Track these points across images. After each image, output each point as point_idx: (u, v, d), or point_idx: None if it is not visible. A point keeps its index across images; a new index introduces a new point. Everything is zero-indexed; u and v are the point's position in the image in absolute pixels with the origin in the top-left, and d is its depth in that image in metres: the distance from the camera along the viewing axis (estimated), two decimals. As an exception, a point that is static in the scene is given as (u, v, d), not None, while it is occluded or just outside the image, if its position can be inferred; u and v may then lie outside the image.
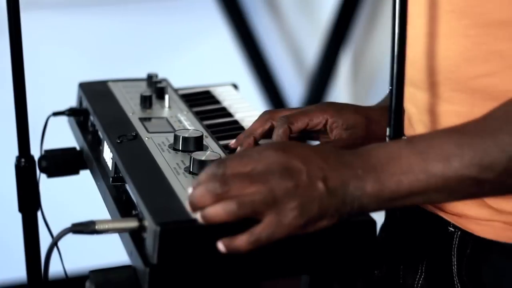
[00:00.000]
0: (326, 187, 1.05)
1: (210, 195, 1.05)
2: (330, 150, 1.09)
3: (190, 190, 1.07)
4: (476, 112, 1.16)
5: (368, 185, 1.06)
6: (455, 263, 1.24)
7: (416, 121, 1.27)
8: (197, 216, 1.06)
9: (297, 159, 1.06)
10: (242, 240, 1.05)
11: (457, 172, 1.05)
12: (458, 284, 1.23)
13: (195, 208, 1.06)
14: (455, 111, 1.19)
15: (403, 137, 1.13)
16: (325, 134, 1.38)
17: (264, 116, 1.38)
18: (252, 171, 1.05)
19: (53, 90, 2.68)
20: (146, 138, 1.35)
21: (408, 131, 1.31)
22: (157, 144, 1.32)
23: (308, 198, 1.04)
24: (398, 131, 1.12)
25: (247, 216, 1.04)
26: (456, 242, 1.24)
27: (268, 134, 1.36)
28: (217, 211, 1.05)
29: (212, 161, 1.21)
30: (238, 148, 1.35)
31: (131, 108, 1.49)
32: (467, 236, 1.22)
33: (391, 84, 1.11)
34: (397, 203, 1.08)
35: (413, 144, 1.08)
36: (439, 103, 1.20)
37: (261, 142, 1.35)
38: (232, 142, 1.37)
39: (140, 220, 1.11)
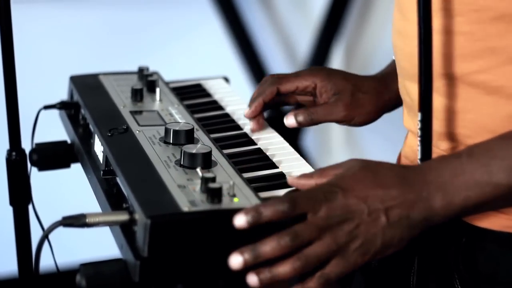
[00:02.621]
0: (387, 220, 1.07)
1: (282, 250, 1.05)
2: (392, 176, 1.10)
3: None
4: (470, 107, 1.17)
5: (436, 205, 1.08)
6: (451, 252, 1.24)
7: (413, 113, 1.27)
8: (253, 279, 1.05)
9: (358, 199, 1.07)
10: (313, 283, 1.06)
11: None
12: (455, 273, 1.24)
13: (259, 258, 1.05)
14: (449, 106, 1.19)
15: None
16: (315, 96, 1.43)
17: (267, 81, 1.45)
18: (317, 218, 1.06)
19: (44, 84, 2.68)
20: (137, 131, 1.35)
21: (407, 122, 1.31)
22: (148, 137, 1.32)
23: (370, 235, 1.07)
24: (428, 117, 1.13)
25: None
26: (452, 231, 1.24)
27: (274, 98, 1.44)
28: (286, 270, 1.05)
29: (204, 154, 1.21)
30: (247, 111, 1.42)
31: (122, 101, 1.49)
32: (462, 225, 1.23)
33: (419, 79, 1.12)
34: (465, 215, 1.13)
35: (474, 157, 1.10)
36: (434, 98, 1.20)
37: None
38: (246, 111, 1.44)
39: (131, 213, 1.12)
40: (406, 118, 1.32)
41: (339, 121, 1.42)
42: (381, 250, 1.08)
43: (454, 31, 1.16)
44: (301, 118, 1.40)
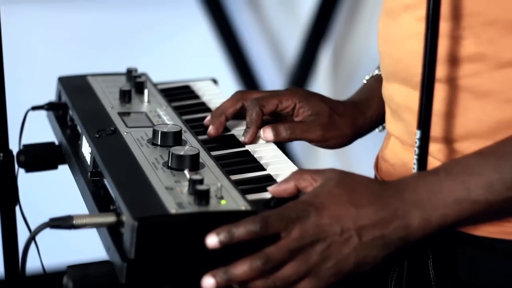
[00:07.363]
0: (360, 240, 1.08)
1: (254, 273, 1.06)
2: (367, 194, 1.10)
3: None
4: (458, 112, 1.17)
5: (413, 223, 1.09)
6: (431, 256, 1.24)
7: (397, 116, 1.27)
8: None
9: (331, 218, 1.07)
10: None
11: (500, 195, 1.08)
12: (434, 277, 1.24)
13: (231, 281, 1.06)
14: (436, 110, 1.19)
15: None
16: (292, 115, 1.43)
17: (236, 96, 1.44)
18: (290, 240, 1.06)
19: (32, 84, 2.68)
20: (125, 133, 1.35)
21: (390, 126, 1.31)
22: (135, 139, 1.32)
23: (342, 255, 1.07)
24: (426, 132, 1.14)
25: None
26: (432, 235, 1.24)
27: (238, 114, 1.42)
28: (257, 286, 1.07)
29: (192, 156, 1.21)
30: (210, 127, 1.40)
31: (110, 103, 1.49)
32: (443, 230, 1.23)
33: (422, 85, 1.12)
34: (443, 230, 1.12)
35: (452, 174, 1.10)
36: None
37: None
38: (207, 119, 1.42)
39: (118, 215, 1.12)
40: (389, 122, 1.33)
41: (314, 141, 1.42)
42: (354, 268, 1.09)
43: (444, 35, 1.16)
44: (279, 133, 1.39)
